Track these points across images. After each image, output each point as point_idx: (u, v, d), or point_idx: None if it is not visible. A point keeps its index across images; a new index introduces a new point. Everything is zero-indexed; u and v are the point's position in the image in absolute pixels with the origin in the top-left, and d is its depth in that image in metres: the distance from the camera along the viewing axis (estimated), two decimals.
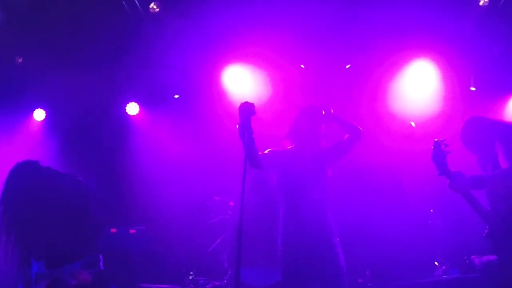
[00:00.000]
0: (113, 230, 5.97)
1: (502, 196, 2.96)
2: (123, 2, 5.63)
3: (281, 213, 3.34)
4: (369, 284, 4.74)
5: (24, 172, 3.60)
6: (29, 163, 3.66)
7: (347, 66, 6.09)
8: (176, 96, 6.88)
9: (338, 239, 3.22)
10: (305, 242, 3.14)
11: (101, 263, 3.12)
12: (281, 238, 3.29)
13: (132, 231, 5.94)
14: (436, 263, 5.14)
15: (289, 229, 3.25)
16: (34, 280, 3.59)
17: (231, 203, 5.49)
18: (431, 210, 5.52)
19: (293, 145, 3.45)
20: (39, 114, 7.62)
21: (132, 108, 7.09)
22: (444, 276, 4.92)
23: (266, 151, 3.41)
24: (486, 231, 3.08)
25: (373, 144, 5.77)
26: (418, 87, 6.10)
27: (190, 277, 5.04)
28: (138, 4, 5.66)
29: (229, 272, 5.03)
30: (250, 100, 3.09)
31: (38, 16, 5.99)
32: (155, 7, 5.56)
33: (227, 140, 5.49)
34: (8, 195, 3.52)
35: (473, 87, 5.88)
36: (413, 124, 5.94)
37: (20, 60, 6.87)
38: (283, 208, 3.34)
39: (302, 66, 6.08)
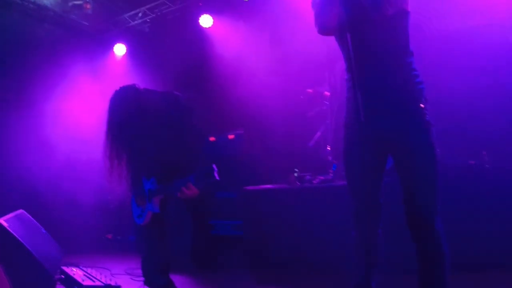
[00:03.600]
0: (212, 138, 6.03)
1: None
2: None
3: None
4: (486, 166, 4.23)
5: (124, 96, 3.63)
6: (126, 87, 3.69)
7: None
8: None
9: (423, 105, 2.29)
10: (370, 107, 2.18)
11: (215, 173, 3.08)
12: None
13: (230, 136, 5.93)
14: None
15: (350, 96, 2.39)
16: (148, 197, 3.72)
17: (326, 93, 5.22)
18: None
19: None
20: (120, 49, 7.86)
21: (206, 20, 6.98)
22: None
23: None
24: None
25: None
26: None
27: (295, 174, 4.95)
28: None
29: (335, 164, 4.89)
30: None
31: None
32: None
33: (306, 33, 5.11)
34: (113, 121, 3.59)
35: None
36: None
37: (88, 7, 7.07)
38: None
39: None
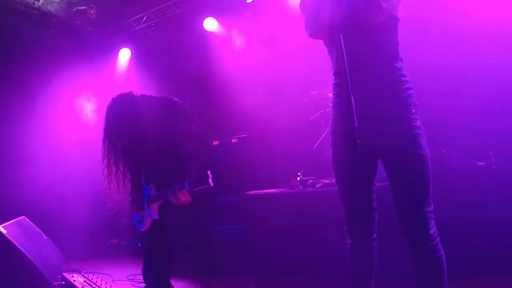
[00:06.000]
0: (215, 142, 6.00)
1: None
2: None
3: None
4: (493, 167, 4.11)
5: (121, 103, 3.59)
6: (123, 95, 3.66)
7: None
8: (249, 0, 6.50)
9: (414, 110, 2.27)
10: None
11: (210, 179, 3.04)
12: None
13: (234, 140, 5.89)
14: None
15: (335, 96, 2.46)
16: (147, 204, 3.70)
17: (330, 94, 5.14)
18: None
19: None
20: (125, 53, 7.97)
21: (210, 23, 7.00)
22: None
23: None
24: None
25: None
26: None
27: (298, 178, 4.89)
28: None
29: None
30: None
31: None
32: None
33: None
34: (110, 129, 3.56)
35: None
36: None
37: (92, 12, 7.08)
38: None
39: None
